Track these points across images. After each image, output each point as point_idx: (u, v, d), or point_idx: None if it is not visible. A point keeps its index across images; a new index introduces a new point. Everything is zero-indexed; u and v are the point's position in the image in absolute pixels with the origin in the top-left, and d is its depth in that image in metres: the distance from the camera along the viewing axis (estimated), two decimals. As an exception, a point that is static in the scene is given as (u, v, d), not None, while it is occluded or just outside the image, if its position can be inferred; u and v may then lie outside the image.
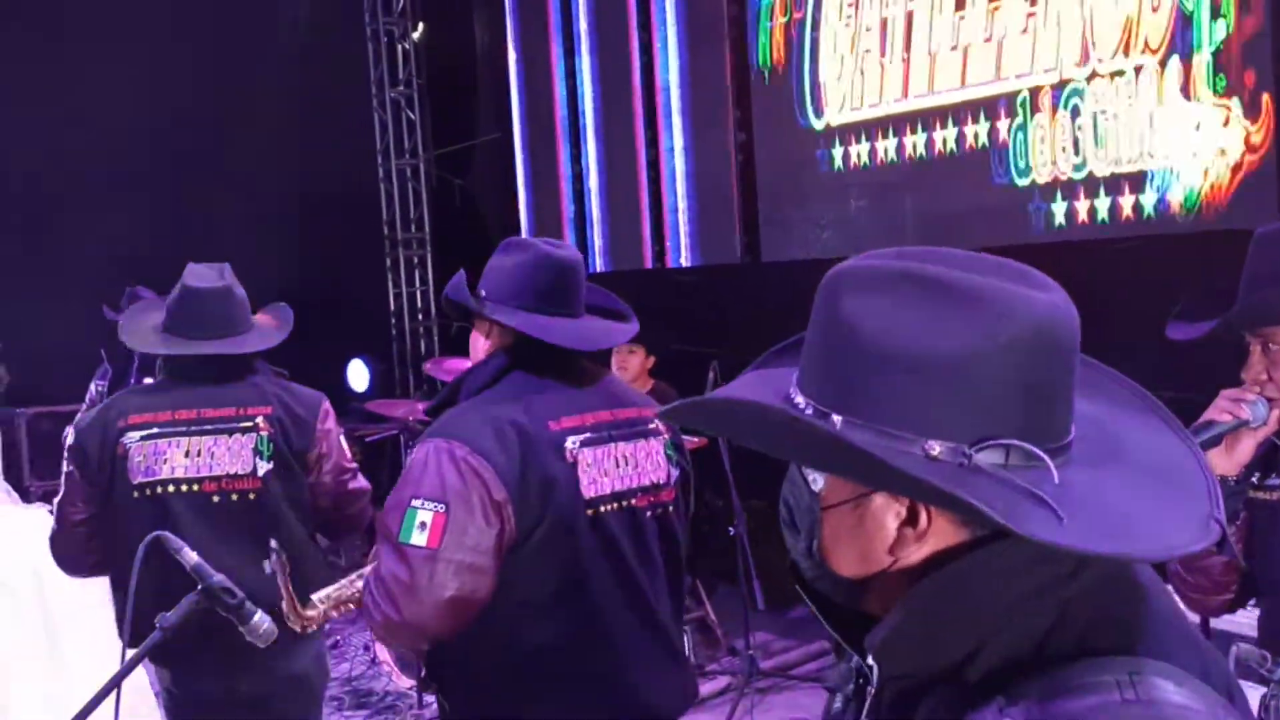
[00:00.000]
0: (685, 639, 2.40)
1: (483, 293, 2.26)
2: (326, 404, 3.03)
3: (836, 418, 0.97)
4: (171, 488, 2.74)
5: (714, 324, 6.53)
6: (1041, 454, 0.94)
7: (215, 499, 2.76)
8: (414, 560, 2.01)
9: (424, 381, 8.84)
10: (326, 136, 8.87)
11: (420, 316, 9.52)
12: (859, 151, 5.37)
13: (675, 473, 2.31)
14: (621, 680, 2.18)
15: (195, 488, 2.75)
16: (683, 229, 6.56)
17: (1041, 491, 0.92)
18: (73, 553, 2.83)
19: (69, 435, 2.85)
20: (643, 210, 6.81)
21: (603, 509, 2.16)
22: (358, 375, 7.73)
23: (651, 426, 2.29)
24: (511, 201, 8.38)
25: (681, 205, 6.54)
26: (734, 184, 6.18)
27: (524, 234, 7.94)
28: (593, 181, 7.28)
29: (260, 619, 1.98)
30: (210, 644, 2.38)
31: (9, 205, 7.68)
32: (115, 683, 1.85)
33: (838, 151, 5.45)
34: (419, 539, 2.01)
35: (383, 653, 5.35)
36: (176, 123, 8.13)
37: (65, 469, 2.84)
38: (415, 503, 2.04)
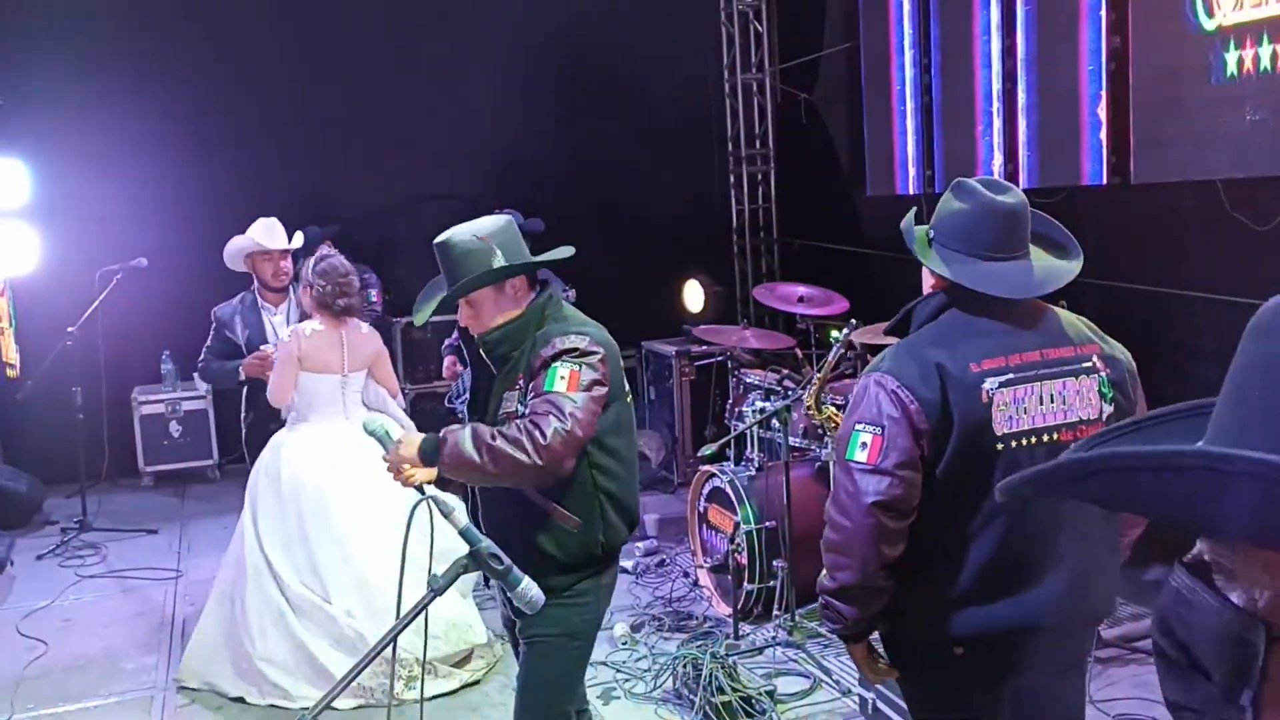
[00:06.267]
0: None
1: (931, 234, 2.51)
2: None
3: None
4: None
5: (1071, 253, 5.93)
6: None
7: None
8: (856, 473, 2.36)
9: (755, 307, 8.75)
10: (672, 51, 8.85)
11: (762, 234, 9.41)
12: (1261, 55, 4.57)
13: (1109, 409, 2.42)
14: (1035, 598, 2.37)
15: None
16: (1039, 147, 5.93)
17: None
18: None
19: None
20: (992, 127, 6.23)
21: (1014, 444, 2.35)
22: (693, 295, 7.74)
23: (1087, 365, 2.42)
24: (858, 116, 7.99)
25: (1039, 121, 5.91)
26: (1104, 96, 5.49)
27: (866, 152, 7.56)
28: (939, 95, 6.76)
29: (527, 586, 1.95)
30: None
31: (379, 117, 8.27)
32: (391, 639, 1.89)
33: (1231, 56, 4.67)
34: (860, 456, 2.36)
35: (704, 578, 5.44)
36: (525, 39, 8.41)
37: None
38: (858, 427, 2.38)
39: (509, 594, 1.95)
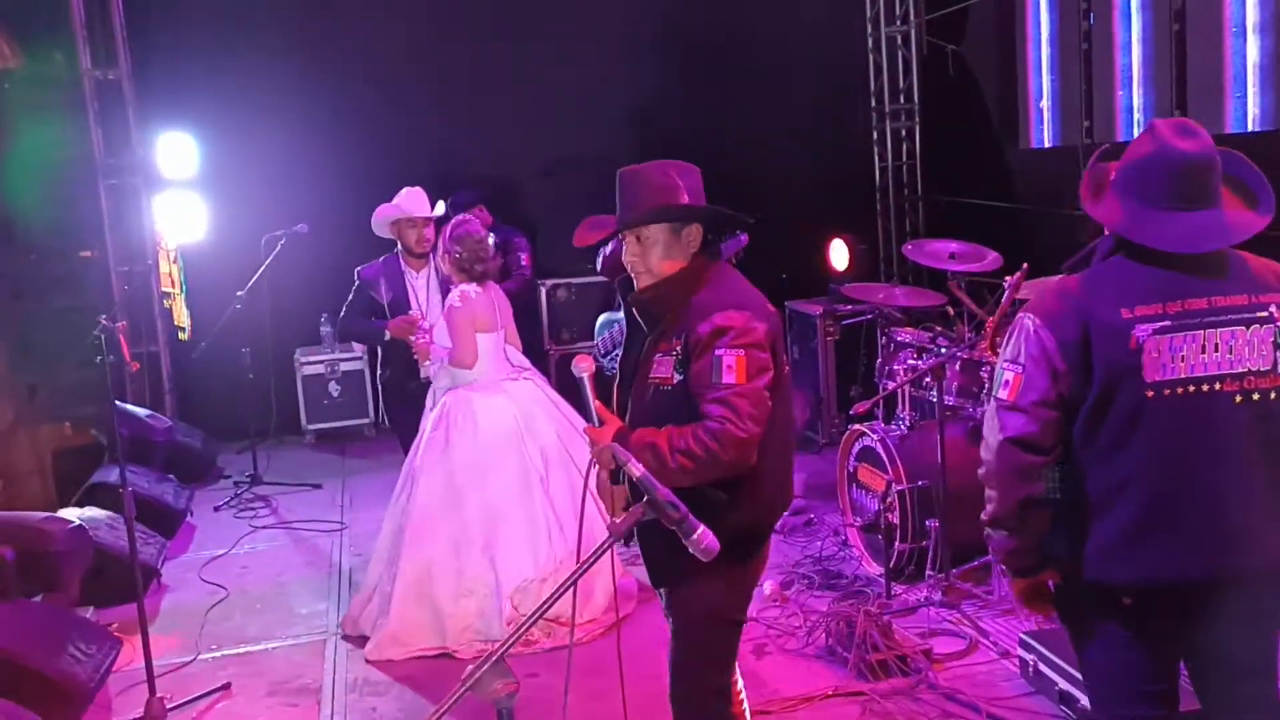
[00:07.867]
0: None
1: (1113, 175, 2.47)
2: None
3: None
4: None
5: None
6: None
7: None
8: (998, 409, 2.45)
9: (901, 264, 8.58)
10: (813, 6, 8.71)
11: (906, 192, 9.22)
12: None
13: None
14: (1198, 549, 2.35)
15: None
16: (1253, 84, 5.60)
17: None
18: None
19: None
20: (1133, 73, 5.96)
21: (1167, 393, 2.33)
22: (839, 254, 7.65)
23: (1262, 314, 2.36)
24: (1010, 67, 7.73)
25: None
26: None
27: (1020, 104, 7.33)
28: (1095, 42, 6.49)
29: (702, 533, 1.99)
30: None
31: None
32: (573, 580, 1.95)
33: None
34: (1002, 393, 2.44)
35: (853, 537, 5.42)
36: None
37: None
38: (1004, 365, 2.47)
39: (685, 541, 1.98)
